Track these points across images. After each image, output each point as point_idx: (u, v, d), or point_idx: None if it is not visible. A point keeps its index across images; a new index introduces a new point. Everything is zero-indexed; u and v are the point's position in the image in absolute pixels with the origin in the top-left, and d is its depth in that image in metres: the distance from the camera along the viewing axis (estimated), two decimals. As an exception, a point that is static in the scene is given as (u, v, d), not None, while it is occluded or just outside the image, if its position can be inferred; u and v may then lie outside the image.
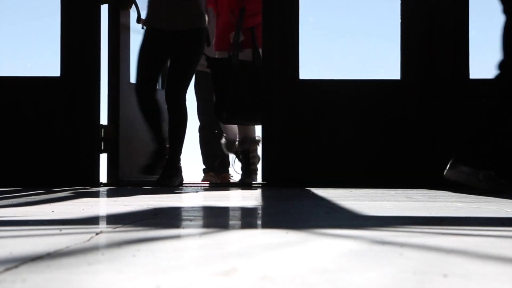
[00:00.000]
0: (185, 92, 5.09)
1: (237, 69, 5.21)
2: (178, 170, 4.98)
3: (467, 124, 4.84)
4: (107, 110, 5.39)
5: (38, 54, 6.61)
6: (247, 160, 5.64)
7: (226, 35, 5.31)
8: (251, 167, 5.68)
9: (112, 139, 5.30)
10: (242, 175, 5.67)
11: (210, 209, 2.70)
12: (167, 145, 5.04)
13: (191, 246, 1.36)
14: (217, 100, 5.28)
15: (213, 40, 5.51)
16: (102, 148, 5.27)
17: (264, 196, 3.76)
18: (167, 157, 4.98)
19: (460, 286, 0.94)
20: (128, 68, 5.70)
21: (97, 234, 1.55)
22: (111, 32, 5.40)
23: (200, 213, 2.43)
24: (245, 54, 5.27)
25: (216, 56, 5.43)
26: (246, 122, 5.42)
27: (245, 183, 5.54)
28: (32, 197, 3.37)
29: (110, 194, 3.87)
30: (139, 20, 5.71)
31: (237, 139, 5.61)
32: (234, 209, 2.70)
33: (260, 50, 5.28)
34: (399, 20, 5.41)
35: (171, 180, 4.89)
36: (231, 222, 2.06)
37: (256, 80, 5.20)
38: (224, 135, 5.67)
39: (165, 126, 5.04)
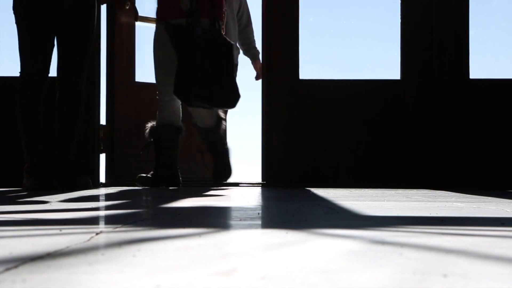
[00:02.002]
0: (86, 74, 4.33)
1: (200, 40, 4.32)
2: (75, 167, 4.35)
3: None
4: (105, 109, 5.42)
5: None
6: (217, 153, 4.85)
7: (175, 1, 4.46)
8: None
9: (108, 139, 5.32)
10: (216, 168, 4.88)
11: (209, 209, 2.70)
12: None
13: (191, 246, 1.36)
14: (181, 76, 4.29)
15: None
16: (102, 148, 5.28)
17: (264, 196, 3.76)
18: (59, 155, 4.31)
19: (460, 286, 0.94)
20: (133, 67, 5.72)
21: (97, 234, 1.55)
22: (108, 31, 5.43)
23: (200, 213, 2.43)
24: (203, 24, 4.40)
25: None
26: (219, 106, 4.53)
27: (220, 182, 4.90)
28: (32, 197, 3.37)
29: (110, 194, 3.87)
30: (136, 18, 5.75)
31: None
32: (234, 209, 2.70)
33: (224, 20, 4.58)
34: (399, 20, 5.41)
35: (78, 180, 4.32)
36: (231, 222, 2.06)
37: (221, 55, 4.33)
38: (152, 123, 4.74)
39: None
